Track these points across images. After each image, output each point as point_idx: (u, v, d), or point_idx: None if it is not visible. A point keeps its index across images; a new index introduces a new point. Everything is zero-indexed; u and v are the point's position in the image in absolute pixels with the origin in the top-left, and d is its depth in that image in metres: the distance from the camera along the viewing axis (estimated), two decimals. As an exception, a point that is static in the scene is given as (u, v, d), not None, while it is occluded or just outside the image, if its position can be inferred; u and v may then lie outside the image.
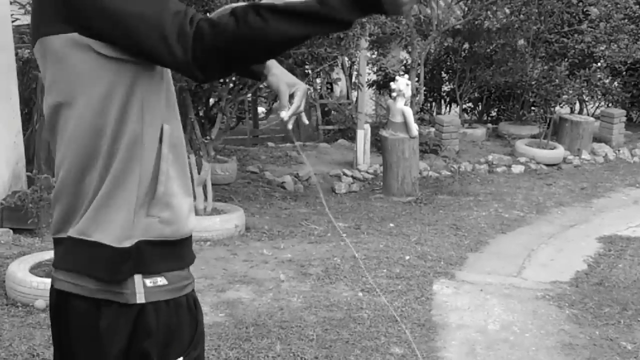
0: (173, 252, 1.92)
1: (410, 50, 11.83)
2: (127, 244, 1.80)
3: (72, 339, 1.90)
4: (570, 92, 11.94)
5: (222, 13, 1.71)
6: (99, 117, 1.77)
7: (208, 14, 1.74)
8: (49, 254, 5.10)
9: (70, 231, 1.84)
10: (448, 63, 13.55)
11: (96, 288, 1.82)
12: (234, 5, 1.70)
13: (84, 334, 1.87)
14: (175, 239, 1.91)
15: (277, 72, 2.15)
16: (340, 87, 14.08)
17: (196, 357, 1.94)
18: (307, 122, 2.23)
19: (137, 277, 1.83)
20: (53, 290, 1.95)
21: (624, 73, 13.49)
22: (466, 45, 12.99)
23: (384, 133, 9.31)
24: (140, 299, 1.83)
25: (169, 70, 1.87)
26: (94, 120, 1.77)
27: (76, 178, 1.82)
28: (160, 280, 1.86)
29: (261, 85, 7.71)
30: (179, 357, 1.89)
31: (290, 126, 2.14)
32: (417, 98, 11.39)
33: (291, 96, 2.12)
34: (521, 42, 12.48)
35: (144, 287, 1.84)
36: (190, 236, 1.99)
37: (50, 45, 1.78)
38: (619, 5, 12.15)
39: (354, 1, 1.65)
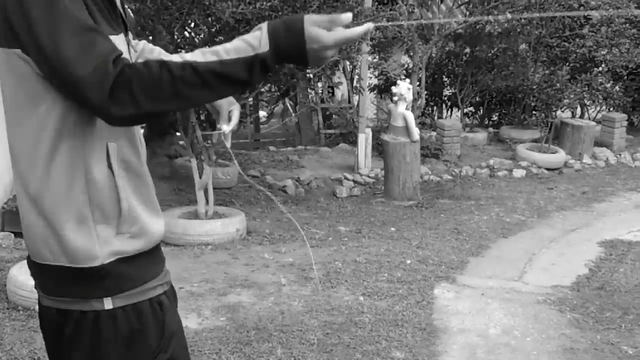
0: (150, 262, 1.93)
1: (411, 54, 11.85)
2: (96, 263, 1.80)
3: (51, 346, 1.95)
4: (572, 96, 11.95)
5: (148, 58, 1.74)
6: (35, 138, 1.75)
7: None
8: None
9: (33, 255, 1.86)
10: (449, 67, 13.56)
11: (68, 300, 1.85)
12: (162, 57, 1.75)
13: (55, 341, 1.91)
14: (149, 249, 1.92)
15: None
16: (341, 91, 14.08)
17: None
18: (228, 145, 2.27)
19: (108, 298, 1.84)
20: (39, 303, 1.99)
21: (625, 77, 13.50)
22: (467, 50, 13.01)
23: (385, 137, 9.31)
24: (108, 304, 1.83)
25: None
26: (30, 141, 1.76)
27: (24, 198, 1.84)
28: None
29: (262, 89, 7.71)
30: None
31: (228, 144, 2.25)
32: (419, 102, 11.40)
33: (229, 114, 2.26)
34: (522, 46, 12.50)
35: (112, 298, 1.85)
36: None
37: None
38: (620, 10, 12.16)
39: (277, 55, 1.69)
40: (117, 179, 1.82)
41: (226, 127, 2.23)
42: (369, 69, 11.93)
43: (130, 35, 2.00)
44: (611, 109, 14.03)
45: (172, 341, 1.96)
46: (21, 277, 4.94)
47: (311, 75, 9.07)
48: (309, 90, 13.08)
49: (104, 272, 1.81)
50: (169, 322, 1.96)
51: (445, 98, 14.42)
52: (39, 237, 1.82)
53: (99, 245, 1.80)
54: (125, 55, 1.75)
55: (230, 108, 2.23)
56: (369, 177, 10.27)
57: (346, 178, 10.07)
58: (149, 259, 1.93)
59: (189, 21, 6.81)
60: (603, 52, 12.25)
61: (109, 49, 1.68)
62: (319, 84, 13.26)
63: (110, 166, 1.81)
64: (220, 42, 7.20)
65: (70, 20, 1.66)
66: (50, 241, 1.80)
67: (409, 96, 9.20)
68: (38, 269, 1.89)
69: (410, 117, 9.06)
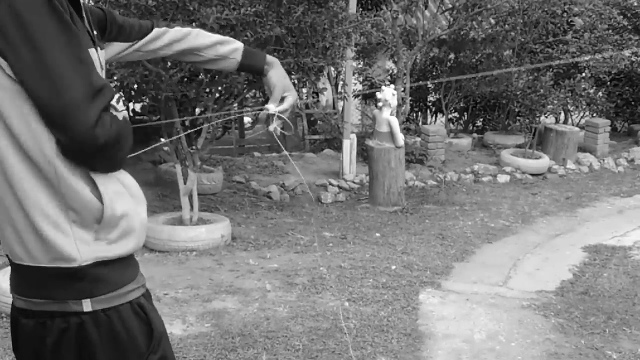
0: (127, 266, 1.90)
1: (396, 60, 11.87)
2: (74, 264, 1.77)
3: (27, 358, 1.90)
4: (555, 102, 12.02)
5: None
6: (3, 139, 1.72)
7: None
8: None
9: (13, 256, 1.83)
10: (434, 73, 13.61)
11: (43, 302, 1.81)
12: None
13: (34, 353, 1.86)
14: (129, 254, 1.89)
15: (278, 72, 2.24)
16: (326, 97, 14.10)
17: None
18: (291, 131, 2.27)
19: (86, 300, 1.82)
20: (13, 308, 1.94)
21: (608, 83, 13.60)
22: (452, 56, 13.05)
23: (370, 143, 9.32)
24: (87, 307, 1.81)
25: None
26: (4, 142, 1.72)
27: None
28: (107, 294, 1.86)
29: (247, 95, 7.69)
30: None
31: (272, 128, 2.21)
32: (403, 108, 11.42)
33: (282, 100, 2.23)
34: (506, 52, 12.56)
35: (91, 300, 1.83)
36: None
37: None
38: (603, 16, 12.26)
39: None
40: (99, 185, 1.79)
41: (273, 107, 2.20)
42: (353, 75, 11.95)
43: (100, 51, 1.98)
44: (594, 114, 14.13)
45: (162, 341, 1.95)
46: (4, 285, 4.90)
47: (296, 81, 9.06)
48: (293, 96, 13.06)
49: (80, 275, 1.78)
50: (156, 323, 1.94)
51: (430, 104, 14.47)
52: (14, 235, 1.79)
53: (78, 247, 1.78)
54: (97, 69, 1.75)
55: (284, 93, 2.24)
56: (353, 182, 10.28)
57: (331, 184, 10.07)
58: (124, 264, 1.90)
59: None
60: (586, 58, 12.33)
61: (103, 81, 1.70)
62: (304, 90, 13.27)
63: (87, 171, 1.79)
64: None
65: (69, 39, 1.65)
66: (26, 240, 1.77)
67: (394, 102, 9.22)
68: (14, 269, 1.85)
69: (395, 123, 9.08)
